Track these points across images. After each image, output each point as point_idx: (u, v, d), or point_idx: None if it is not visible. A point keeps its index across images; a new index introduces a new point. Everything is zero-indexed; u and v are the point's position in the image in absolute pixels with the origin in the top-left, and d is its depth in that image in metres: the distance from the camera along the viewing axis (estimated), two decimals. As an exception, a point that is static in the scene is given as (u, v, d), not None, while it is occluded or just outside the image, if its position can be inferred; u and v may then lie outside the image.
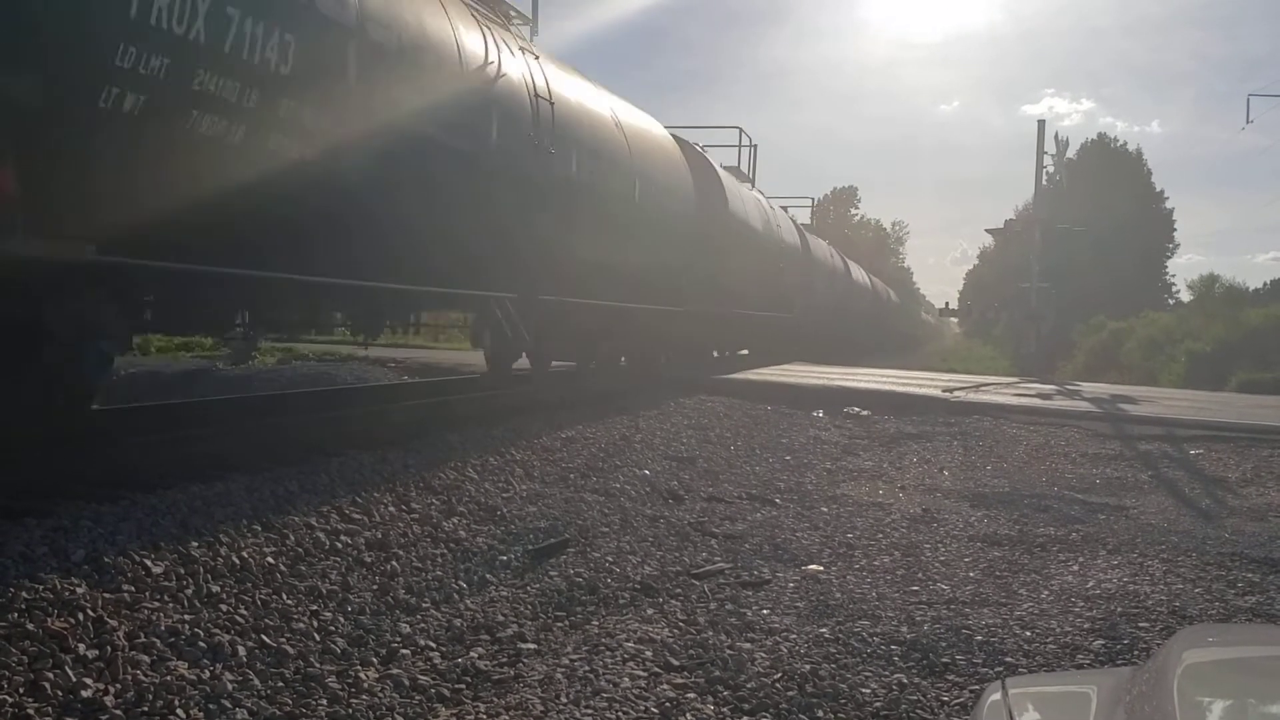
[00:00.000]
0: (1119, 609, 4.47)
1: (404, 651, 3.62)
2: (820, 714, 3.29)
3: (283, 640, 3.43)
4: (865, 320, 36.41)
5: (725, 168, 17.58)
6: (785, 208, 24.51)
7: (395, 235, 7.18)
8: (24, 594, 3.13)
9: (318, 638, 3.55)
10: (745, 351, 21.59)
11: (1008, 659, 3.82)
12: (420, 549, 4.61)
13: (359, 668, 3.41)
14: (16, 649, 2.88)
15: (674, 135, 14.90)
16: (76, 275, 4.94)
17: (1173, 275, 56.63)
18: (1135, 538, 5.96)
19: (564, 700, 3.23)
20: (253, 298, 6.85)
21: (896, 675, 3.62)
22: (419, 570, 4.39)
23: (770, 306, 19.92)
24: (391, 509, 4.95)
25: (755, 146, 21.76)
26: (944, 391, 13.75)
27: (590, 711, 3.17)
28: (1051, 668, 3.76)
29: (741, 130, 21.09)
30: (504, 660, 3.64)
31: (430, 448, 6.34)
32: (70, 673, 2.85)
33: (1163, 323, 31.51)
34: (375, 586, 4.09)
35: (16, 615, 3.03)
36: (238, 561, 3.83)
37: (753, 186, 20.34)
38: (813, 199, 32.23)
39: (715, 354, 19.55)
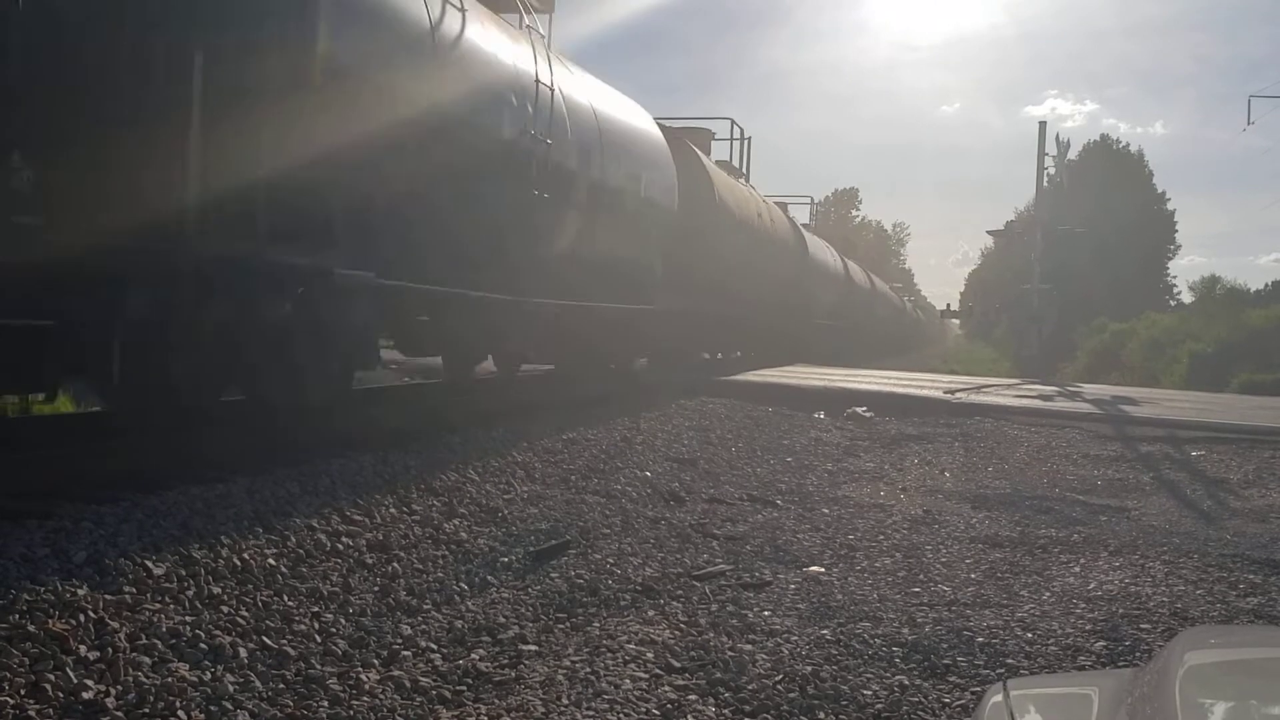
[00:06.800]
0: (1120, 610, 4.46)
1: (405, 653, 3.61)
2: (822, 716, 3.28)
3: (284, 642, 3.43)
4: (865, 321, 36.27)
5: (718, 163, 17.25)
6: (784, 205, 24.12)
7: None
8: (25, 595, 3.13)
9: (319, 639, 3.54)
10: (738, 354, 21.37)
11: (1009, 660, 3.81)
12: (421, 550, 4.61)
13: (360, 669, 3.41)
14: (18, 650, 2.88)
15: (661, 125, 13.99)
16: None
17: (1174, 277, 56.79)
18: (1137, 539, 5.96)
19: (565, 702, 3.23)
20: None
21: (898, 677, 3.62)
22: (420, 572, 4.39)
23: (765, 305, 19.47)
24: (393, 510, 4.95)
25: (749, 139, 20.62)
26: (945, 393, 13.74)
27: (591, 713, 3.17)
28: (1053, 669, 3.76)
29: (733, 122, 20.04)
30: (505, 662, 3.64)
31: (431, 449, 6.34)
32: (71, 674, 2.85)
33: (1164, 324, 31.46)
34: (376, 588, 4.09)
35: (18, 617, 3.03)
36: (239, 563, 3.83)
37: (746, 181, 19.65)
38: (811, 199, 31.96)
39: (705, 356, 19.22)
